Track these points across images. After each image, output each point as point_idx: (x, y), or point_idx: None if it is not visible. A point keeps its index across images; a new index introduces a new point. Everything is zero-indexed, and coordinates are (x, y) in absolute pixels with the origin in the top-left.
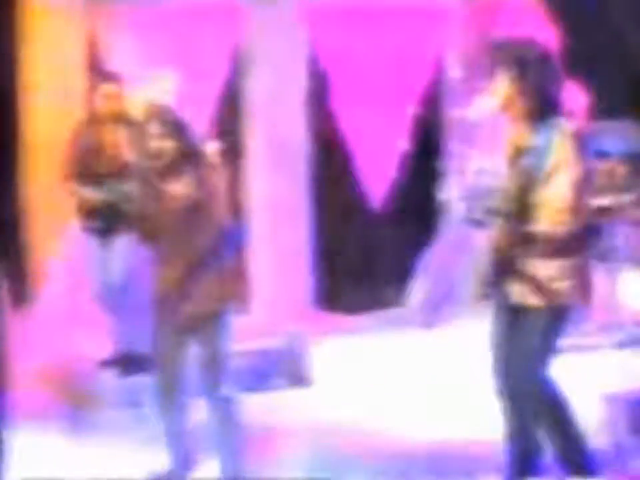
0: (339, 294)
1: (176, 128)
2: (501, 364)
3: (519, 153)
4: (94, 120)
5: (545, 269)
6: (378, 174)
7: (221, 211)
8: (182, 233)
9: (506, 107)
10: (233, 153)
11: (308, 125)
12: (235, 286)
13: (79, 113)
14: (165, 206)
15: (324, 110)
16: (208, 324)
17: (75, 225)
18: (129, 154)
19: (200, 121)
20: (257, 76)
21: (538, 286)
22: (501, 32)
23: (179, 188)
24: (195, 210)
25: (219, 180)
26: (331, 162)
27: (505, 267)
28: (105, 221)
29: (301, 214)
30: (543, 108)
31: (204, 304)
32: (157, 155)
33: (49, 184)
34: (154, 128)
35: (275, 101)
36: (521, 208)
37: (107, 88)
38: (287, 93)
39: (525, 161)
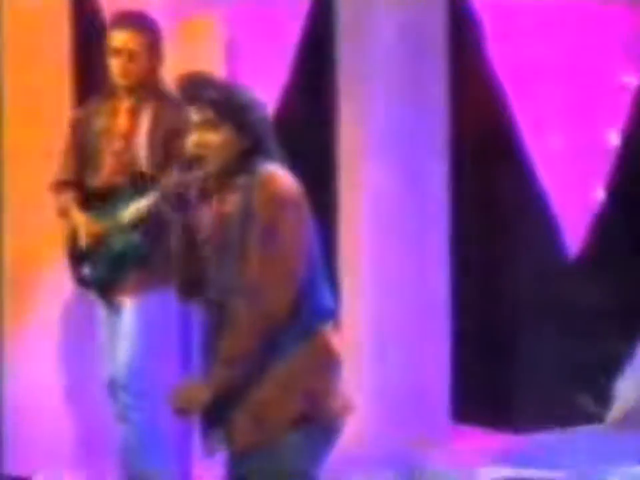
0: (495, 398)
1: (229, 112)
2: None
3: None
4: (104, 94)
5: None
6: (573, 202)
7: (293, 256)
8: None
9: None
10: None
11: (454, 121)
12: (311, 385)
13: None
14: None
15: (483, 92)
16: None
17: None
18: (151, 152)
19: (268, 92)
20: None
21: None
22: None
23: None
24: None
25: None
26: (494, 183)
27: None
28: (106, 266)
29: (439, 264)
30: None
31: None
32: (200, 156)
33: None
34: (193, 113)
35: (388, 74)
36: None
37: (119, 37)
38: (413, 59)
39: None
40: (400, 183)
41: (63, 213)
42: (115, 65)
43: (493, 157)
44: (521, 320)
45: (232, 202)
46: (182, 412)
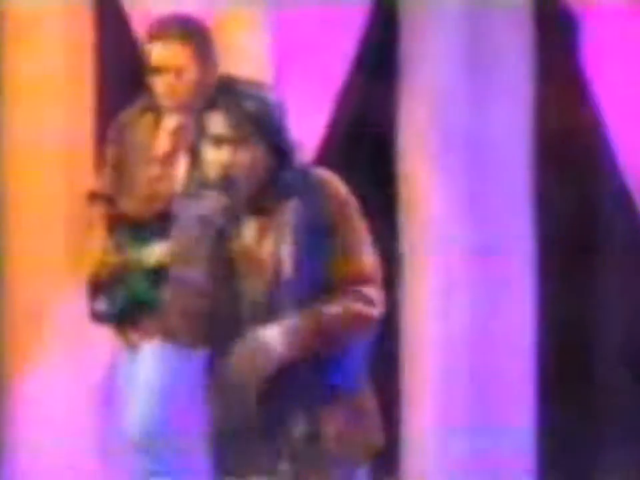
0: (584, 461)
1: (268, 128)
2: None
3: None
4: (146, 103)
5: None
6: None
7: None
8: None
9: None
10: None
11: (535, 120)
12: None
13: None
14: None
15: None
16: None
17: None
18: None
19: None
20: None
21: None
22: None
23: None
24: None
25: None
26: (585, 202)
27: None
28: (122, 305)
29: (522, 291)
30: None
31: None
32: (227, 178)
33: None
34: (216, 122)
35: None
36: None
37: (161, 52)
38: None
39: None
40: (472, 199)
41: (89, 228)
42: (158, 85)
43: (586, 175)
44: (614, 368)
45: (279, 217)
46: (247, 377)
